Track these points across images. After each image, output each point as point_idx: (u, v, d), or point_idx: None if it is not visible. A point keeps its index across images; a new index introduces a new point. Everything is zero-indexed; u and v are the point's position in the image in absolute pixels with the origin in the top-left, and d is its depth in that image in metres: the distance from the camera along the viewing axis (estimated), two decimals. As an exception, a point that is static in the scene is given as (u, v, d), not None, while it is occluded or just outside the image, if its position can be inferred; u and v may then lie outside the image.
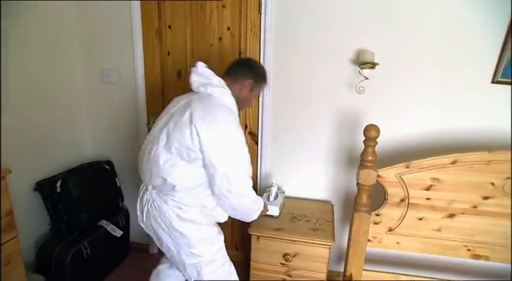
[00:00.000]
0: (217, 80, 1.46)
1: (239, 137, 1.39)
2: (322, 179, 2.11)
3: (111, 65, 2.20)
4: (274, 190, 1.96)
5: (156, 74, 2.17)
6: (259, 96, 1.99)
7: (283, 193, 2.12)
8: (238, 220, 2.30)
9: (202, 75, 1.47)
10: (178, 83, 2.15)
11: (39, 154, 2.02)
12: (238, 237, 2.37)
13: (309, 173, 2.12)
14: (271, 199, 1.94)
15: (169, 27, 2.07)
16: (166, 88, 2.18)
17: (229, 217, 1.57)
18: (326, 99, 1.96)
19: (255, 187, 1.95)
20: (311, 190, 2.15)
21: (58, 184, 1.97)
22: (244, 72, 1.52)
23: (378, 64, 1.75)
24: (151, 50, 2.13)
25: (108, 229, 2.17)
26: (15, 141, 1.83)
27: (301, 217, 1.93)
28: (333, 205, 2.09)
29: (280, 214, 1.93)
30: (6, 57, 1.72)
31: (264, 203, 1.63)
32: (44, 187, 1.99)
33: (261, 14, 1.92)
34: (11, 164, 1.61)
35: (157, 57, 2.14)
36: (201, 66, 1.49)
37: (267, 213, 1.79)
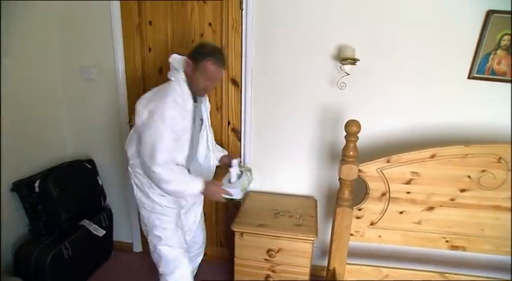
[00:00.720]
0: (175, 62, 1.57)
1: (164, 126, 1.44)
2: (306, 175, 2.13)
3: (91, 62, 2.15)
4: (234, 172, 1.74)
5: (137, 71, 2.13)
6: (218, 80, 1.78)
7: (249, 170, 1.92)
8: (223, 217, 2.32)
9: (172, 64, 1.58)
10: (160, 80, 2.10)
11: (16, 154, 1.96)
12: (223, 234, 2.37)
13: (292, 169, 2.13)
14: (233, 180, 1.73)
15: (150, 23, 2.04)
16: (148, 85, 2.13)
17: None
18: (308, 95, 1.97)
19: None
20: (294, 186, 2.17)
21: (36, 184, 1.92)
22: (188, 56, 1.57)
23: (358, 60, 1.77)
24: (131, 46, 2.09)
25: (90, 228, 2.13)
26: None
27: (285, 212, 1.94)
28: (316, 200, 2.11)
29: (247, 195, 1.95)
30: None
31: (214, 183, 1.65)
32: (21, 187, 1.94)
33: (242, 10, 1.90)
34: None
35: (138, 54, 2.10)
36: (173, 57, 1.59)
37: (229, 197, 1.62)
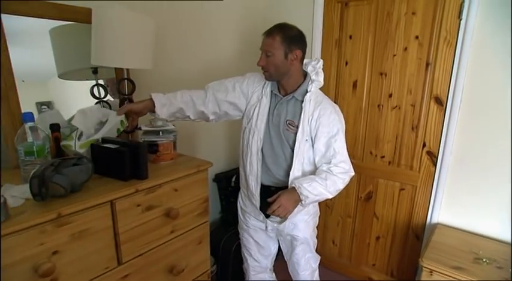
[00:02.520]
0: None
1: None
2: (521, 219, 1.72)
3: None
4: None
5: (331, 84, 2.18)
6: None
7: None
8: (399, 244, 2.10)
9: None
10: (354, 94, 2.10)
11: (221, 149, 2.29)
12: (396, 263, 2.17)
13: (501, 208, 1.75)
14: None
15: (350, 37, 2.05)
16: (340, 98, 2.16)
17: None
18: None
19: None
20: (501, 230, 1.77)
21: (233, 179, 2.20)
22: None
23: None
24: (329, 59, 2.15)
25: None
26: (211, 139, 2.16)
27: (490, 261, 1.61)
28: (533, 255, 1.67)
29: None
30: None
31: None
32: (221, 179, 2.26)
33: (460, 20, 1.69)
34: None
35: (334, 67, 2.15)
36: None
37: None
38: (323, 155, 1.43)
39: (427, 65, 1.83)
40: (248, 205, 1.66)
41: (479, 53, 1.68)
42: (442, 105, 1.82)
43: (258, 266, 1.78)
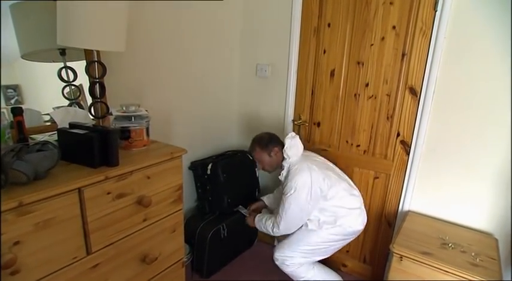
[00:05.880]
0: None
1: None
2: (486, 206, 1.79)
3: (266, 61, 2.31)
4: None
5: (309, 72, 2.17)
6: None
7: None
8: (372, 232, 2.16)
9: None
10: (331, 82, 2.11)
11: (195, 137, 2.26)
12: (369, 250, 2.23)
13: (469, 196, 1.82)
14: None
15: (329, 25, 2.04)
16: (318, 86, 2.16)
17: None
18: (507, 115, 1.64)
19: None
20: (468, 216, 1.85)
21: (209, 167, 2.17)
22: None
23: None
24: (307, 48, 2.14)
25: (243, 213, 2.29)
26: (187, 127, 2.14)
27: (455, 245, 1.67)
28: (497, 240, 1.76)
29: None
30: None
31: None
32: (197, 167, 2.22)
33: (436, 11, 1.71)
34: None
35: (312, 55, 2.14)
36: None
37: None
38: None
39: (403, 55, 1.85)
40: None
41: (453, 45, 1.71)
42: (416, 96, 1.85)
43: None
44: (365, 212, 1.92)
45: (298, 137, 1.89)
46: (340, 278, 2.02)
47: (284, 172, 1.89)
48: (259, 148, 1.94)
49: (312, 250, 1.88)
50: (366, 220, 1.91)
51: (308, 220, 1.85)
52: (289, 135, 1.89)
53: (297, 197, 1.76)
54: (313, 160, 1.88)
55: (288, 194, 1.77)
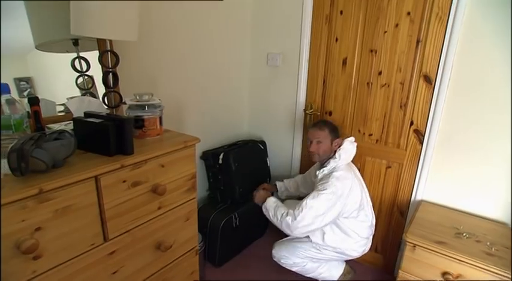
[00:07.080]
0: None
1: None
2: (501, 196, 1.76)
3: (277, 50, 2.29)
4: None
5: (320, 60, 2.15)
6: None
7: None
8: (384, 220, 2.16)
9: None
10: (343, 71, 2.08)
11: (207, 127, 2.26)
12: (380, 239, 2.22)
13: (484, 185, 1.79)
14: None
15: (341, 12, 2.00)
16: (330, 75, 2.14)
17: None
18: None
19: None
20: (483, 206, 1.82)
21: (221, 156, 2.18)
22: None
23: None
24: (318, 37, 2.11)
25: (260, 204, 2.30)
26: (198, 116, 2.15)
27: (470, 235, 1.66)
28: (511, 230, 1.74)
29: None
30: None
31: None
32: (208, 157, 2.24)
33: (453, -4, 1.66)
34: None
35: (323, 43, 2.11)
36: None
37: None
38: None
39: (418, 42, 1.81)
40: None
41: (469, 31, 1.67)
42: (431, 84, 1.82)
43: None
44: (370, 242, 1.96)
45: (356, 144, 1.89)
46: (344, 265, 2.08)
47: (326, 171, 1.81)
48: (329, 131, 1.85)
49: (308, 257, 1.95)
50: (367, 250, 1.97)
51: (313, 235, 1.89)
52: (350, 138, 1.89)
53: (331, 199, 1.71)
54: (356, 174, 1.89)
55: (324, 193, 1.71)
